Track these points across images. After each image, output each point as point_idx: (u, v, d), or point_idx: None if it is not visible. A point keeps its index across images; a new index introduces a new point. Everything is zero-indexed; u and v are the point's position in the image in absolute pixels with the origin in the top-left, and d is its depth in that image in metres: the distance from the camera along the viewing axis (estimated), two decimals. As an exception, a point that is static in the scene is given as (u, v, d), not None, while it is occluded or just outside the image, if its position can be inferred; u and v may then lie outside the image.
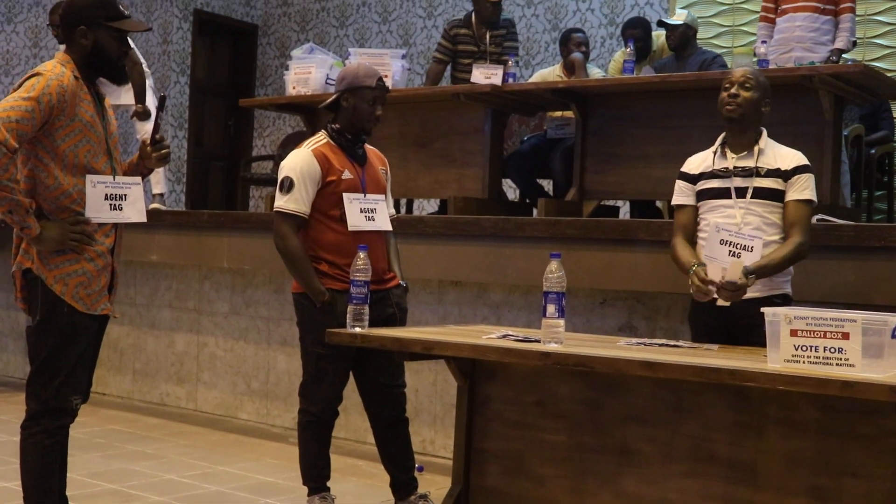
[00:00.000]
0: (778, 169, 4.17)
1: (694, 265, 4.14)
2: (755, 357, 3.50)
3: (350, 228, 4.38)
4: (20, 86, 3.56)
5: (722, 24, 8.35)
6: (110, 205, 3.73)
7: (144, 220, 3.86)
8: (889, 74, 7.25)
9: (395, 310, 4.54)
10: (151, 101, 7.71)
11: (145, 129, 7.75)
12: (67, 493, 3.99)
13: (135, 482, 5.29)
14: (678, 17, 7.07)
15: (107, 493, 5.05)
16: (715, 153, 4.29)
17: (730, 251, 4.08)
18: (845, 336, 3.09)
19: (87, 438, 6.14)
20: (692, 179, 4.32)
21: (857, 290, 4.59)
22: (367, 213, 4.45)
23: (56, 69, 3.63)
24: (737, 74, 4.25)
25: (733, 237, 4.08)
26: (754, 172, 4.17)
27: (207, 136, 12.01)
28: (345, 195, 4.40)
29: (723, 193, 4.20)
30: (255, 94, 12.00)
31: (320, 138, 4.51)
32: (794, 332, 3.18)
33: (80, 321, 3.70)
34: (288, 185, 4.38)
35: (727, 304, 4.05)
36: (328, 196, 4.40)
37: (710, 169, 4.27)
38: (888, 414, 3.18)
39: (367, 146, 4.64)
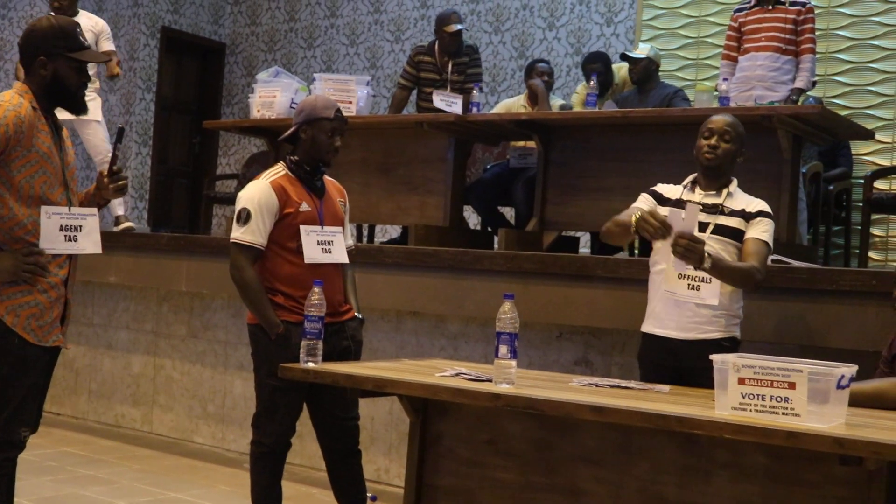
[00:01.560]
0: (742, 210, 4.25)
1: (637, 212, 4.07)
2: (704, 402, 3.52)
3: (306, 261, 4.36)
4: (-23, 116, 3.54)
5: (686, 57, 8.40)
6: (65, 236, 3.71)
7: (100, 251, 3.83)
8: (849, 112, 7.36)
9: (349, 342, 4.54)
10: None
11: (96, 148, 7.66)
12: (15, 522, 3.97)
13: (85, 508, 5.26)
14: (641, 51, 7.14)
15: (56, 520, 5.02)
16: (684, 187, 4.37)
17: (688, 284, 4.11)
18: (791, 386, 3.11)
19: (39, 461, 6.09)
20: (659, 199, 4.37)
21: (809, 332, 4.64)
22: (324, 245, 4.43)
23: (14, 100, 3.61)
24: (719, 124, 4.31)
25: (691, 270, 4.11)
26: (719, 210, 4.25)
27: (172, 154, 11.98)
28: (302, 227, 4.38)
29: None
30: (221, 112, 11.99)
31: (279, 170, 4.49)
32: (741, 381, 3.20)
33: (32, 353, 3.66)
34: (245, 217, 4.36)
35: (688, 266, 3.95)
36: (285, 228, 4.38)
37: (678, 198, 4.32)
38: (833, 462, 3.20)
39: (327, 178, 4.63)
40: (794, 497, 3.40)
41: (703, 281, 4.09)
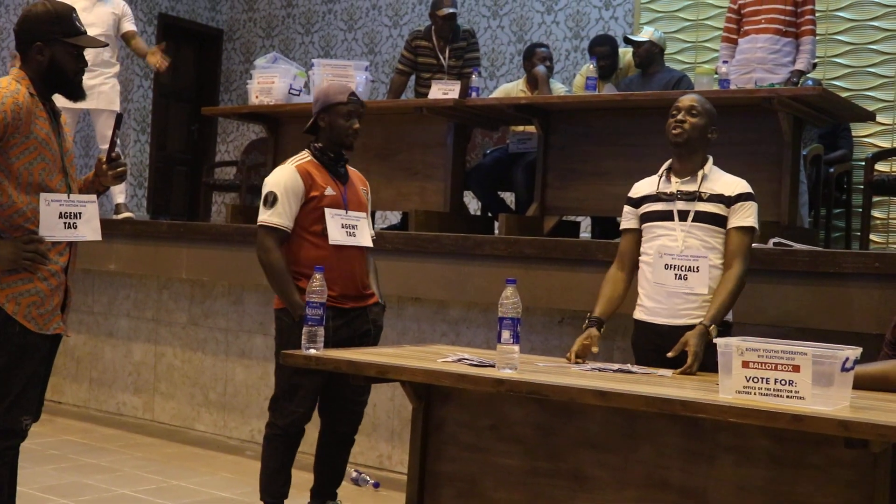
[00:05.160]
0: (721, 195, 4.18)
1: (594, 320, 4.24)
2: (708, 385, 3.52)
3: (331, 242, 4.47)
4: (-26, 102, 3.52)
5: (685, 40, 8.38)
6: (65, 223, 3.69)
7: (99, 238, 3.82)
8: (849, 93, 7.34)
9: (371, 327, 4.65)
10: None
11: (105, 137, 7.70)
12: (17, 510, 3.97)
13: (87, 497, 5.24)
14: (644, 35, 7.09)
15: (59, 509, 5.02)
16: (660, 178, 4.31)
17: (675, 275, 4.14)
18: (796, 369, 3.11)
19: (41, 450, 6.08)
20: (635, 203, 4.35)
21: (810, 315, 4.63)
22: (349, 228, 4.54)
23: (11, 86, 3.59)
24: (684, 101, 4.28)
25: (676, 260, 4.13)
26: (697, 197, 4.18)
27: (170, 141, 11.94)
28: (327, 210, 4.49)
29: (665, 216, 4.22)
30: (219, 99, 11.95)
31: (304, 156, 4.61)
32: (745, 364, 3.20)
33: (32, 341, 3.65)
34: (272, 200, 4.46)
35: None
36: (310, 212, 4.49)
37: (654, 192, 4.29)
38: (837, 445, 3.19)
39: (350, 167, 4.73)
40: (798, 480, 3.39)
41: (690, 270, 4.11)
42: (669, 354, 3.94)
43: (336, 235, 4.48)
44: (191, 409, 7.14)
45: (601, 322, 4.27)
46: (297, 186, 4.47)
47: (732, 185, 4.22)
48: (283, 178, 4.49)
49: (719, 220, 4.17)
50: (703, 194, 4.19)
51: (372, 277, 4.71)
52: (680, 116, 4.23)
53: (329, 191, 4.52)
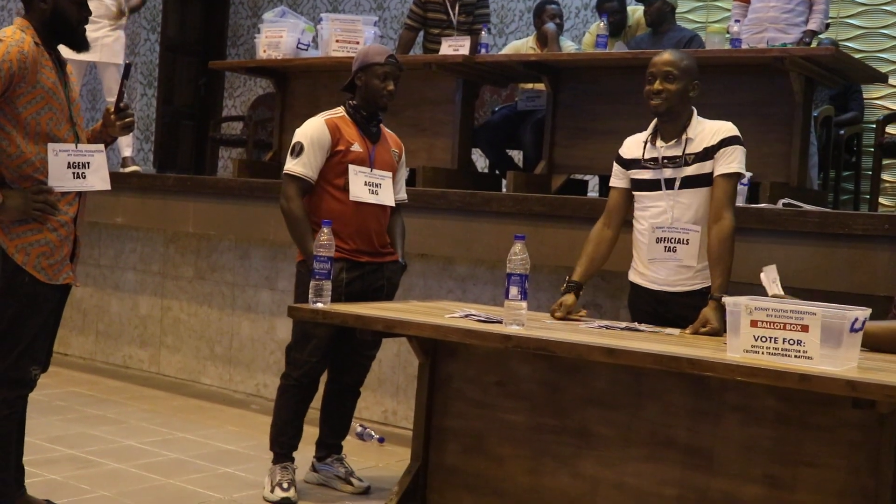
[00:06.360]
0: (705, 150, 4.07)
1: (572, 285, 4.24)
2: (715, 345, 3.51)
3: (351, 198, 4.53)
4: (-21, 53, 3.49)
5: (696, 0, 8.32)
6: (73, 173, 3.69)
7: (108, 188, 3.82)
8: (862, 55, 7.28)
9: (384, 283, 4.68)
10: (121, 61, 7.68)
11: (111, 90, 7.68)
12: (25, 459, 3.98)
13: (94, 448, 5.26)
14: (657, -8, 7.00)
15: (65, 459, 5.03)
16: (646, 142, 4.21)
17: (665, 247, 4.10)
18: (804, 328, 3.10)
19: (48, 401, 6.10)
20: (624, 165, 4.28)
21: (819, 276, 4.61)
22: (371, 186, 4.59)
23: (16, 35, 3.56)
24: (658, 66, 4.10)
25: (667, 233, 4.10)
26: (683, 161, 4.10)
27: (177, 95, 11.88)
28: (351, 167, 4.54)
29: (654, 185, 4.16)
30: (226, 53, 11.89)
31: (338, 111, 4.69)
32: (754, 323, 3.19)
33: (42, 291, 3.66)
34: (298, 150, 4.54)
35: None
36: (335, 165, 4.55)
37: (641, 157, 4.20)
38: (844, 406, 3.19)
39: (386, 129, 4.81)
40: (804, 440, 3.41)
41: (679, 243, 4.08)
42: (688, 332, 3.88)
43: (358, 192, 4.53)
44: (197, 363, 7.16)
45: (580, 286, 4.25)
46: (324, 139, 4.53)
47: (715, 132, 4.10)
48: (311, 130, 4.56)
49: (706, 179, 4.08)
50: (688, 157, 4.09)
51: (397, 236, 4.76)
52: (657, 86, 4.07)
53: (356, 147, 4.58)
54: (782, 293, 3.78)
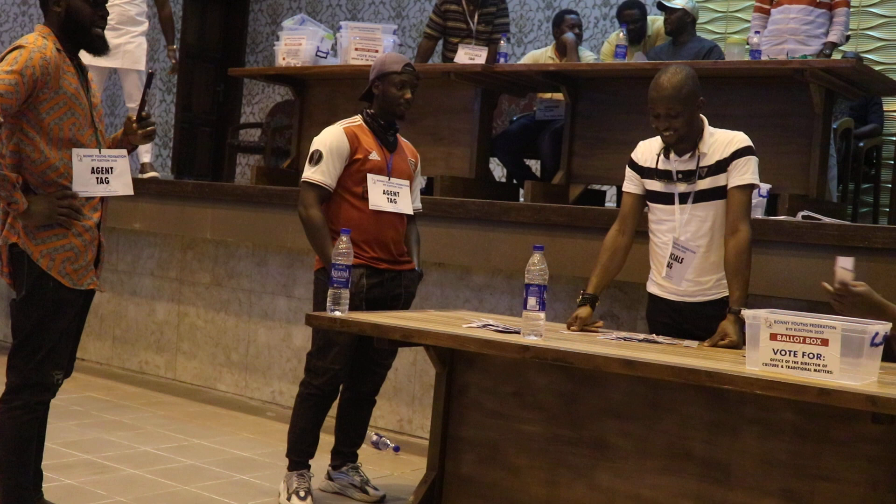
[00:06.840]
0: (717, 163, 4.06)
1: (587, 297, 4.24)
2: (734, 357, 3.50)
3: (371, 207, 4.55)
4: (2, 59, 3.51)
5: (716, 10, 8.31)
6: (97, 178, 3.71)
7: (131, 192, 3.85)
8: (882, 66, 7.26)
9: (402, 291, 4.70)
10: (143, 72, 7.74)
11: (132, 96, 7.71)
12: (41, 464, 3.99)
13: (110, 453, 5.28)
14: (677, 2, 6.98)
15: (81, 464, 5.04)
16: (660, 153, 4.18)
17: (679, 258, 4.13)
18: (824, 342, 3.09)
19: (65, 406, 6.11)
20: (639, 171, 4.27)
21: (838, 289, 4.58)
22: (390, 195, 4.62)
23: (38, 42, 3.58)
24: (659, 105, 4.01)
25: (678, 248, 4.13)
26: (696, 176, 4.09)
27: (196, 102, 11.93)
28: (369, 176, 4.56)
29: (668, 199, 4.16)
30: (245, 60, 11.93)
31: (355, 119, 4.70)
32: (773, 336, 3.18)
33: (66, 296, 3.68)
34: (317, 158, 4.56)
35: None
36: (353, 174, 4.57)
37: (655, 167, 4.19)
38: (864, 420, 3.17)
39: (402, 138, 4.83)
40: (822, 455, 3.39)
41: (675, 260, 4.12)
42: (706, 345, 3.87)
43: (377, 201, 4.55)
44: (213, 370, 7.17)
45: (595, 298, 4.25)
46: (343, 147, 4.55)
47: (727, 143, 4.08)
48: (330, 138, 4.57)
49: (720, 192, 4.08)
50: (701, 171, 4.08)
51: (413, 245, 4.78)
52: (663, 124, 4.04)
53: (374, 156, 4.59)
54: (852, 282, 3.37)
